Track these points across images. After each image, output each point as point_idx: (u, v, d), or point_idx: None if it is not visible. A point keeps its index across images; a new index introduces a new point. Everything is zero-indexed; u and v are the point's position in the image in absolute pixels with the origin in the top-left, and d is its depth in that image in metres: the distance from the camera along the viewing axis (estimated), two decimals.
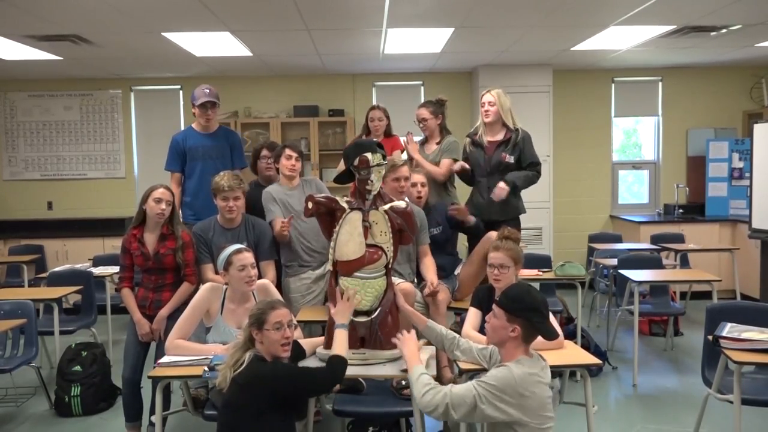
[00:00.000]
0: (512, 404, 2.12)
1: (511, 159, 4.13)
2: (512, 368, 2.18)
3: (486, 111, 4.14)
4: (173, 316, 3.32)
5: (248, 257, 2.99)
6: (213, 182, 3.57)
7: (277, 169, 3.97)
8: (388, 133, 4.82)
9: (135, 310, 3.43)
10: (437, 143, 4.39)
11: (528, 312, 2.25)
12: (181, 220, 4.02)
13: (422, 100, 7.06)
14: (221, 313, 3.02)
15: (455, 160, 4.27)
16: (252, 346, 2.45)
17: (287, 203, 3.79)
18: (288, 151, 3.86)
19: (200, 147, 4.17)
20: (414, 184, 3.80)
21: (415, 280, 3.85)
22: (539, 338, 2.74)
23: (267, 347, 2.42)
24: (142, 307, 3.46)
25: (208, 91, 4.11)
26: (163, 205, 3.40)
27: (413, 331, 2.59)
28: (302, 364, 2.68)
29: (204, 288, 3.06)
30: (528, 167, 4.17)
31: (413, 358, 2.42)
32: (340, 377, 2.45)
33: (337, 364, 2.45)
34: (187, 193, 4.20)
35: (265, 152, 4.30)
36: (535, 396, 2.16)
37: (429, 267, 3.62)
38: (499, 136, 4.17)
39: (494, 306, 2.31)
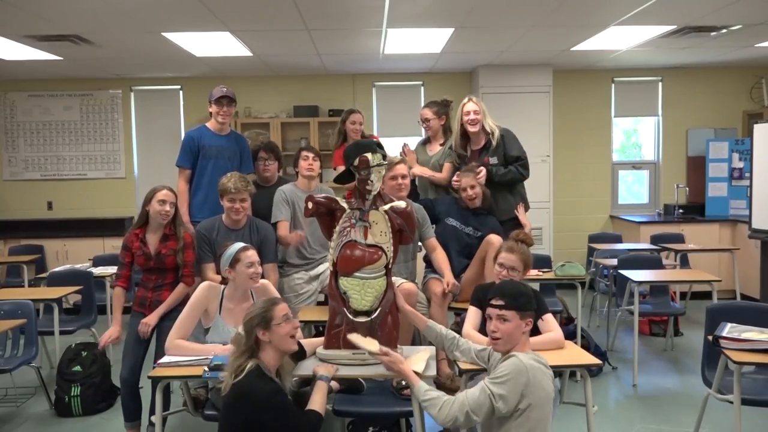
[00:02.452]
0: (526, 394, 2.13)
1: (494, 160, 4.12)
2: (521, 357, 2.19)
3: (473, 120, 4.07)
4: (171, 317, 3.34)
5: (255, 255, 3.04)
6: (220, 183, 3.60)
7: (296, 172, 4.03)
8: (363, 136, 4.90)
9: (118, 311, 3.46)
10: (441, 144, 4.40)
11: (533, 300, 2.32)
12: (184, 219, 4.05)
13: (422, 100, 7.15)
14: (219, 313, 3.03)
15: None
16: (257, 351, 2.41)
17: (298, 205, 3.79)
18: (304, 152, 3.95)
19: (215, 146, 4.17)
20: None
21: (415, 281, 3.85)
22: (542, 338, 2.77)
23: (277, 344, 2.41)
24: (142, 306, 3.47)
25: (225, 89, 4.17)
26: (167, 207, 3.41)
27: (389, 350, 2.52)
28: (303, 364, 2.68)
29: (201, 287, 3.06)
30: (512, 163, 4.12)
31: (411, 376, 2.40)
32: (317, 429, 2.43)
33: (314, 420, 2.42)
34: (198, 192, 4.17)
35: (262, 153, 4.31)
36: (544, 390, 2.17)
37: (443, 262, 3.59)
38: (481, 143, 4.17)
39: (501, 312, 2.26)
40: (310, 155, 3.93)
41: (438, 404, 2.22)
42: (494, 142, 4.09)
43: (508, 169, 4.10)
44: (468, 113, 4.10)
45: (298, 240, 3.74)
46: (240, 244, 3.07)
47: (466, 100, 4.17)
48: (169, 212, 3.42)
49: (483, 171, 3.98)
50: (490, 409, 2.13)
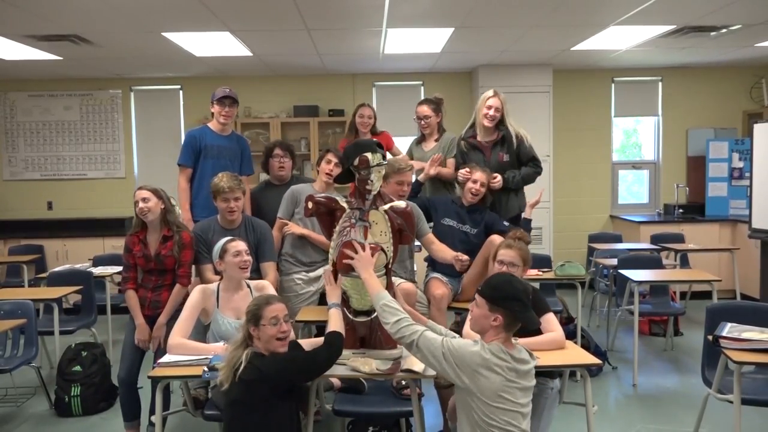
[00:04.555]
0: (467, 374, 2.22)
1: (506, 158, 4.13)
2: (478, 346, 2.25)
3: (492, 116, 4.08)
4: (171, 317, 3.34)
5: (241, 244, 3.10)
6: (212, 184, 3.59)
7: (317, 171, 4.03)
8: (374, 132, 4.92)
9: (138, 314, 3.42)
10: (435, 140, 4.41)
11: (509, 301, 2.28)
12: (185, 218, 4.04)
13: None
14: (218, 307, 3.06)
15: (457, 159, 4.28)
16: (250, 344, 2.47)
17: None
18: (329, 155, 3.92)
19: (216, 146, 4.19)
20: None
21: (415, 280, 3.85)
22: (542, 338, 2.77)
23: (264, 343, 2.45)
24: (141, 306, 3.45)
25: (228, 90, 4.18)
26: (140, 204, 3.39)
27: (368, 249, 2.63)
28: None
29: (194, 291, 3.09)
30: (528, 163, 4.17)
31: (376, 284, 2.51)
32: (339, 351, 2.52)
33: (334, 339, 2.50)
34: (200, 191, 4.16)
35: (278, 151, 4.26)
36: (488, 380, 2.20)
37: (444, 250, 3.55)
38: (493, 136, 4.17)
39: (476, 295, 2.34)
40: (334, 160, 3.88)
41: (397, 315, 2.38)
42: (513, 141, 4.09)
43: (523, 173, 4.12)
44: (489, 108, 4.08)
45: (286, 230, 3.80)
46: (227, 237, 3.15)
47: (490, 93, 4.13)
48: (144, 208, 3.38)
49: (499, 179, 4.00)
50: (431, 354, 2.26)
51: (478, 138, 4.20)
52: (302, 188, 3.94)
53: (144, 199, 3.39)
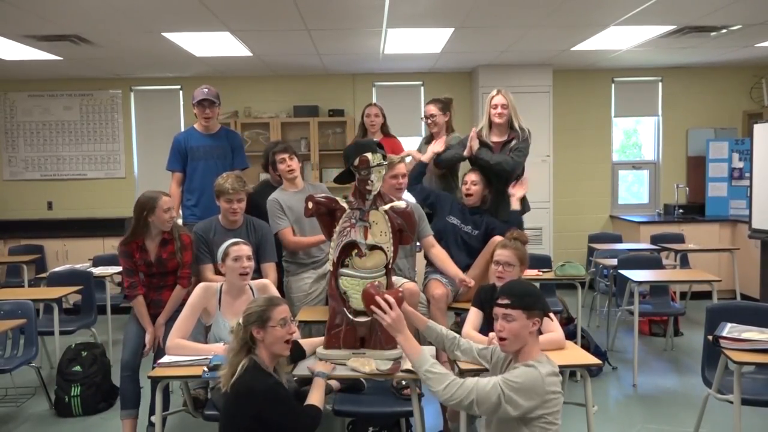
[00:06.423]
0: (538, 402, 2.11)
1: None
2: (539, 367, 2.15)
3: (499, 113, 4.08)
4: (170, 318, 3.35)
5: (244, 249, 3.04)
6: (216, 184, 3.57)
7: (278, 176, 3.99)
8: (386, 133, 4.91)
9: (148, 321, 3.42)
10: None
11: (541, 300, 2.26)
12: (181, 221, 4.06)
13: (422, 100, 7.15)
14: (219, 309, 3.05)
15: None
16: (252, 347, 2.40)
17: (294, 208, 3.76)
18: (279, 155, 3.83)
19: (202, 147, 4.18)
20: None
21: (416, 279, 3.85)
22: (543, 339, 2.76)
23: (270, 345, 2.39)
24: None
25: (207, 90, 4.15)
26: (173, 213, 3.44)
27: (396, 309, 2.42)
28: (302, 363, 2.69)
29: (198, 288, 3.08)
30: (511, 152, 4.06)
31: (414, 348, 2.32)
32: (315, 427, 2.41)
33: (314, 414, 2.41)
34: (189, 193, 4.21)
35: (282, 155, 4.24)
36: (557, 399, 2.16)
37: (446, 260, 3.60)
38: (504, 137, 4.13)
39: (506, 311, 2.22)
40: (285, 155, 3.81)
41: (444, 381, 2.17)
42: (518, 143, 4.07)
43: (498, 161, 4.00)
44: (495, 106, 4.08)
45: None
46: (233, 240, 3.11)
47: (494, 92, 4.13)
48: (174, 217, 3.46)
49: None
50: (495, 407, 2.10)
51: (490, 137, 4.17)
52: (281, 195, 3.85)
53: (174, 208, 3.44)
